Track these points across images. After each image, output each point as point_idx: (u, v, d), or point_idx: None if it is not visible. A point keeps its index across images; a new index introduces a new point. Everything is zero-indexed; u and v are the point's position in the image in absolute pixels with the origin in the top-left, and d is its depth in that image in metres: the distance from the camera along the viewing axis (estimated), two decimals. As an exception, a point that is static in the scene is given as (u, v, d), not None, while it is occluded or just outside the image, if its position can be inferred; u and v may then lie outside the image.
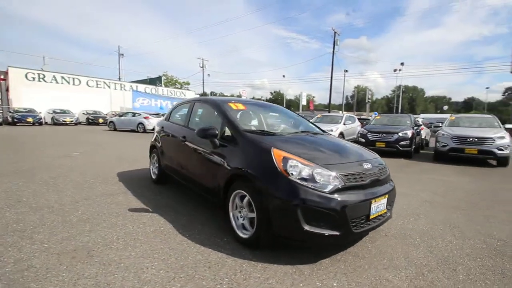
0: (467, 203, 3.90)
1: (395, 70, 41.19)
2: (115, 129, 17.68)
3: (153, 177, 4.51)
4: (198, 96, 42.07)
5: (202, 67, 47.06)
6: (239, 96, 44.18)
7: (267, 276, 1.96)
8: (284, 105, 24.85)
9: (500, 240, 2.67)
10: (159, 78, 46.84)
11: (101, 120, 23.27)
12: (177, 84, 56.75)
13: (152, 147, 4.61)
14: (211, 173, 2.83)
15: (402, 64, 39.99)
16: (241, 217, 2.45)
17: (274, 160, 2.20)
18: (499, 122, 8.52)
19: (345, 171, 2.20)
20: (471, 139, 7.52)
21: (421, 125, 11.12)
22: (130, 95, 30.77)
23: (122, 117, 17.93)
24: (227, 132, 2.80)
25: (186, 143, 3.38)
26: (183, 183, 3.58)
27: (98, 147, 9.07)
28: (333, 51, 32.82)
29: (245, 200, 2.35)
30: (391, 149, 8.78)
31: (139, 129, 16.79)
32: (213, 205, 3.36)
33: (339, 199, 2.03)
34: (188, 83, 58.89)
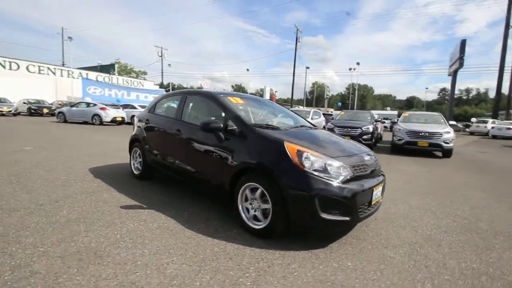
0: (432, 189, 4.50)
1: (350, 69, 44.18)
2: (65, 121, 15.98)
3: (136, 172, 4.28)
4: (158, 86, 39.93)
5: (161, 56, 44.63)
6: (200, 87, 43.00)
7: (288, 262, 2.08)
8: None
9: (465, 218, 3.18)
10: (112, 66, 43.33)
11: (46, 111, 20.72)
12: (132, 73, 53.00)
13: (134, 141, 4.35)
14: (214, 167, 2.82)
15: (358, 63, 43.12)
16: (252, 209, 2.51)
17: (289, 153, 2.29)
18: (444, 118, 9.81)
19: (351, 163, 2.41)
20: (423, 133, 8.54)
21: (379, 121, 12.22)
22: (79, 83, 27.85)
23: (74, 108, 16.23)
24: (231, 125, 2.81)
25: (182, 136, 3.28)
26: (177, 178, 3.48)
27: (53, 140, 8.17)
28: (296, 48, 33.85)
29: (258, 192, 2.42)
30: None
31: (94, 121, 15.42)
32: (213, 199, 3.35)
33: (350, 188, 2.22)
34: (145, 73, 55.47)
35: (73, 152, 6.28)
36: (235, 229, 2.59)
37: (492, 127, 19.57)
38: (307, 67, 44.21)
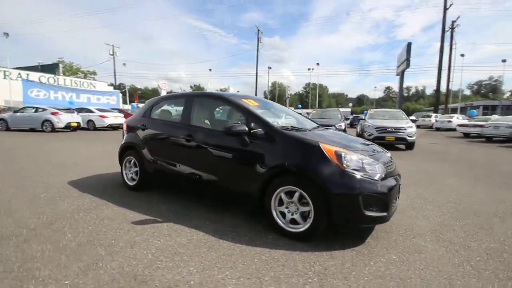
0: (417, 180, 4.94)
1: (309, 69, 46.15)
2: (7, 129, 13.94)
3: (130, 183, 3.90)
4: (112, 87, 36.99)
5: (113, 54, 41.52)
6: (158, 88, 40.97)
7: (340, 262, 2.10)
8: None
9: (460, 204, 3.55)
10: (56, 65, 39.03)
11: (-22, 118, 17.76)
12: (79, 73, 48.25)
13: (127, 149, 3.97)
14: (241, 173, 2.72)
15: (317, 64, 45.16)
16: (289, 213, 2.47)
17: (327, 154, 2.32)
18: (405, 114, 10.83)
19: (382, 160, 2.52)
20: (389, 128, 9.32)
21: (347, 118, 13.03)
22: (19, 85, 24.36)
23: (19, 113, 14.21)
24: (254, 128, 2.73)
25: (194, 142, 3.09)
26: (189, 187, 3.27)
27: (4, 152, 7.06)
28: (257, 48, 34.21)
29: (296, 195, 2.39)
30: (330, 139, 9.98)
31: (45, 127, 13.69)
32: (239, 205, 3.21)
33: (386, 184, 2.32)
34: (94, 73, 50.96)
35: (36, 165, 5.51)
36: (270, 235, 2.53)
37: (436, 121, 22.19)
38: (269, 67, 45.03)
